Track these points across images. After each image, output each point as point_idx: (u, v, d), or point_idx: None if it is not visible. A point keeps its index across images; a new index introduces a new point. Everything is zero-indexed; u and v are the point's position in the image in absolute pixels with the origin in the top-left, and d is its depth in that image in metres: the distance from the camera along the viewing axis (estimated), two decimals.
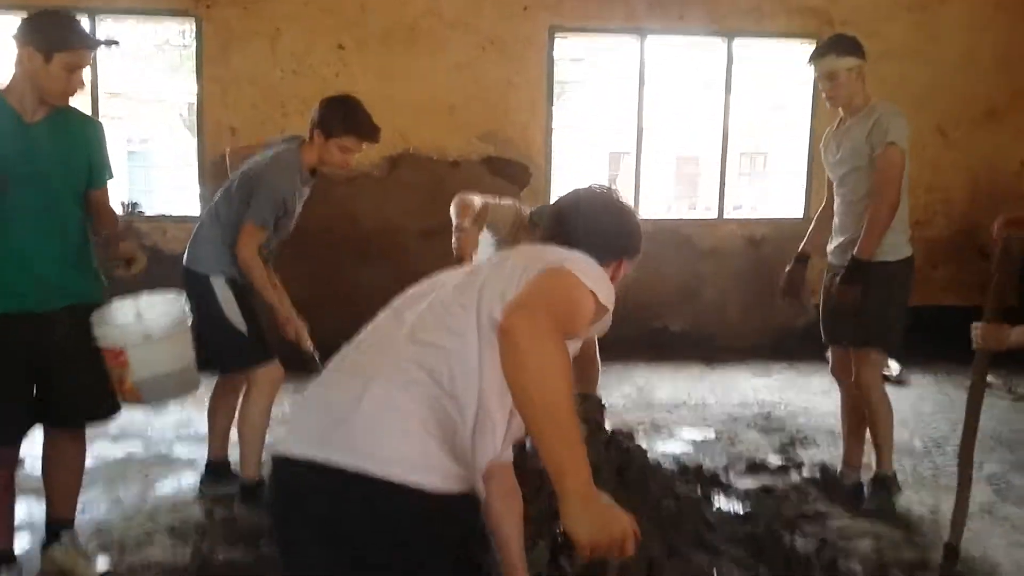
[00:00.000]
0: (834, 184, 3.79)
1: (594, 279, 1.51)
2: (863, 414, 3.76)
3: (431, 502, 1.43)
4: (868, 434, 3.80)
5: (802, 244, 4.00)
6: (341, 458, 1.42)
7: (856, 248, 3.53)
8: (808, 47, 6.57)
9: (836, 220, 3.78)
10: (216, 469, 3.73)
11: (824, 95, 3.68)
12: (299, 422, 1.57)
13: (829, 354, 3.89)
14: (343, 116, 3.46)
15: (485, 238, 3.96)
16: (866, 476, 3.83)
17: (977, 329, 2.64)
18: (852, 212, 3.65)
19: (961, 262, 6.75)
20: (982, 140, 6.72)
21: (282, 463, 1.52)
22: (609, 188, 1.92)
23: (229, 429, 3.70)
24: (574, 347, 1.57)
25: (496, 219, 3.93)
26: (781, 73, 6.76)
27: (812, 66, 3.65)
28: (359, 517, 1.43)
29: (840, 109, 3.70)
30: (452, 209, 3.84)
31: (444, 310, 1.57)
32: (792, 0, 6.49)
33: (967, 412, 2.75)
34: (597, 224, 1.80)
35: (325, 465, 1.43)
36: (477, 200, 3.88)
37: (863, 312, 3.57)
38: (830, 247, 3.83)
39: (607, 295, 1.52)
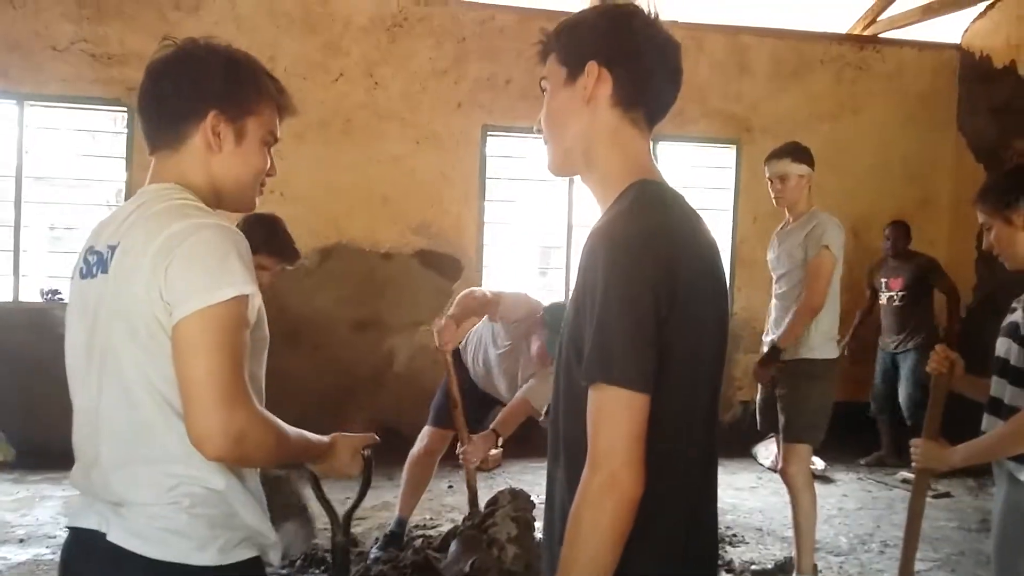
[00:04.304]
0: (774, 280, 3.99)
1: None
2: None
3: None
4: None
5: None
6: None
7: (778, 335, 3.73)
8: (729, 151, 6.90)
9: (772, 315, 3.97)
10: None
11: (772, 194, 3.88)
12: None
13: (768, 447, 3.94)
14: (265, 236, 3.32)
15: (487, 328, 4.07)
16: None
17: (917, 447, 2.53)
18: (785, 309, 3.84)
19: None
20: None
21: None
22: None
23: None
24: None
25: (507, 312, 3.91)
26: (703, 176, 7.02)
27: (766, 166, 3.87)
28: None
29: (786, 211, 3.93)
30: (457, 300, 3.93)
31: None
32: (713, 106, 6.81)
33: (906, 533, 2.70)
34: None
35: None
36: (486, 294, 3.95)
37: (794, 407, 3.70)
38: (764, 339, 3.99)
39: None
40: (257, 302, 1.44)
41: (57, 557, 3.97)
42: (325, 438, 1.62)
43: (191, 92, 1.49)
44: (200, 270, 1.36)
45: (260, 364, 1.58)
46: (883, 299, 6.31)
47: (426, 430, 4.12)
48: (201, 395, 1.33)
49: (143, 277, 1.36)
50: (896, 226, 6.36)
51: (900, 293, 6.25)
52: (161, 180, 1.51)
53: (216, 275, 1.36)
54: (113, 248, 1.43)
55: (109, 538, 1.40)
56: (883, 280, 6.32)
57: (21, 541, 4.21)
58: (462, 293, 3.96)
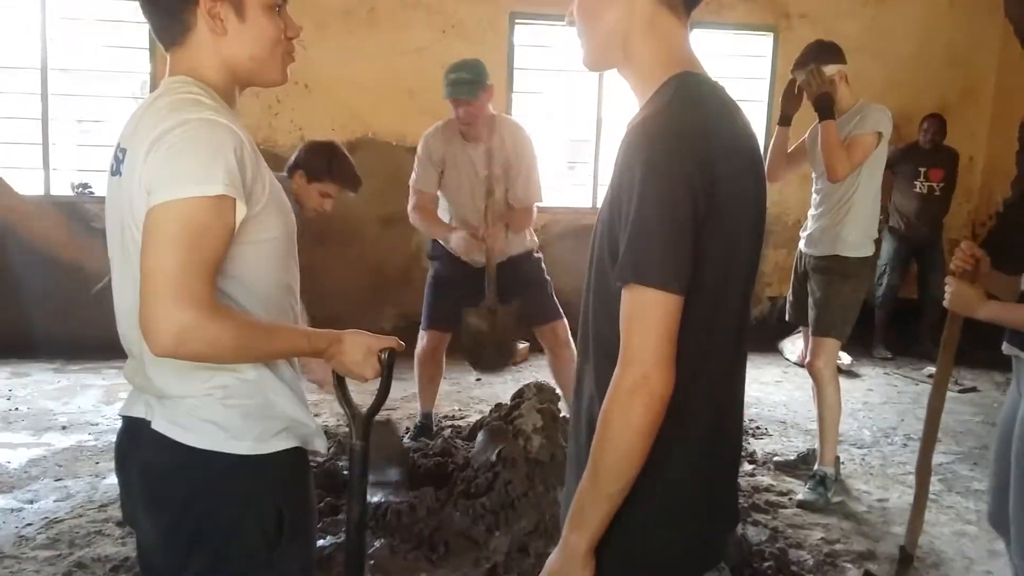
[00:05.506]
0: (814, 176, 3.89)
1: None
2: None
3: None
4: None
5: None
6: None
7: (817, 100, 3.63)
8: (766, 39, 6.66)
9: (812, 210, 3.89)
10: None
11: (808, 99, 3.74)
12: None
13: (794, 342, 3.92)
14: (329, 162, 3.53)
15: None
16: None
17: (951, 285, 2.47)
18: (827, 203, 3.77)
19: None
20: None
21: None
22: None
23: None
24: None
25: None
26: (739, 64, 6.80)
27: (794, 74, 3.77)
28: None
29: None
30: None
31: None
32: None
33: (928, 414, 2.66)
34: None
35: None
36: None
37: (824, 301, 3.70)
38: (803, 234, 3.95)
39: None
40: (244, 209, 1.37)
41: (99, 443, 4.13)
42: (331, 332, 1.55)
43: None
44: (177, 163, 1.32)
45: (285, 268, 1.54)
46: (918, 187, 6.34)
47: (423, 333, 4.14)
48: (149, 288, 1.31)
49: (136, 175, 1.36)
50: (935, 119, 6.40)
51: (940, 184, 6.36)
52: (173, 75, 1.49)
53: (191, 170, 1.32)
54: (126, 149, 1.44)
55: (153, 426, 1.47)
56: (921, 169, 6.34)
57: (64, 428, 4.37)
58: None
